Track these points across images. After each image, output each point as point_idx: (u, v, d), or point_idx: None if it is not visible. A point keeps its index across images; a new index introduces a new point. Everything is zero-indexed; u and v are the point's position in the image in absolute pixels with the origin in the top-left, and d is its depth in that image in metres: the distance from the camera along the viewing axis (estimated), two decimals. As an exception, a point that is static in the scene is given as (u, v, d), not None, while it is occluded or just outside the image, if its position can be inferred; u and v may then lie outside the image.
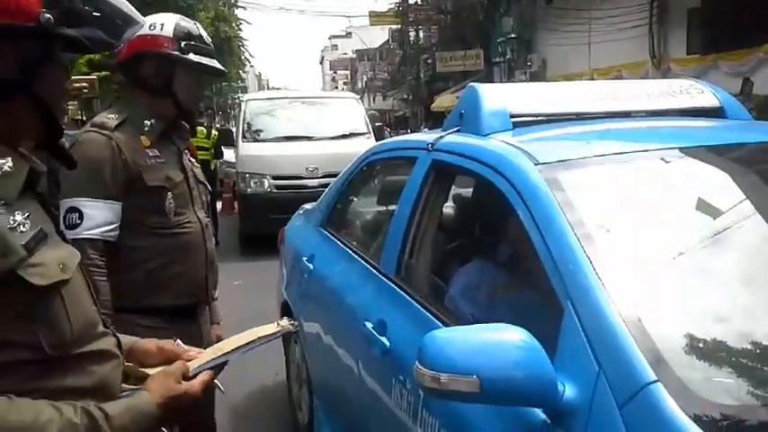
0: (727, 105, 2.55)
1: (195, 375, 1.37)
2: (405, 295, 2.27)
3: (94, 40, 1.19)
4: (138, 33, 2.19)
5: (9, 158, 1.13)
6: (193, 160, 2.47)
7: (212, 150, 10.61)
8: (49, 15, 1.12)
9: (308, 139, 9.29)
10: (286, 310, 3.67)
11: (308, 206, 3.99)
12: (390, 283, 2.41)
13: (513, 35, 20.88)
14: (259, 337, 1.55)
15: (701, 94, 2.57)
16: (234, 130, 10.88)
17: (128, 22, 1.27)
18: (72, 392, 1.16)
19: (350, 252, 2.95)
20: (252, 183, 8.93)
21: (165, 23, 2.22)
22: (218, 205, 12.57)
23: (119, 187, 2.11)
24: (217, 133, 11.42)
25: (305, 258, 3.32)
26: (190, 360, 1.43)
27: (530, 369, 1.36)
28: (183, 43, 2.19)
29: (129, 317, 2.09)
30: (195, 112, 2.39)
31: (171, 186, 2.20)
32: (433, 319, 2.02)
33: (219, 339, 2.53)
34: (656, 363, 1.33)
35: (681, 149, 2.08)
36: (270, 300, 4.16)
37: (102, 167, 2.10)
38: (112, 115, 2.20)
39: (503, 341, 1.39)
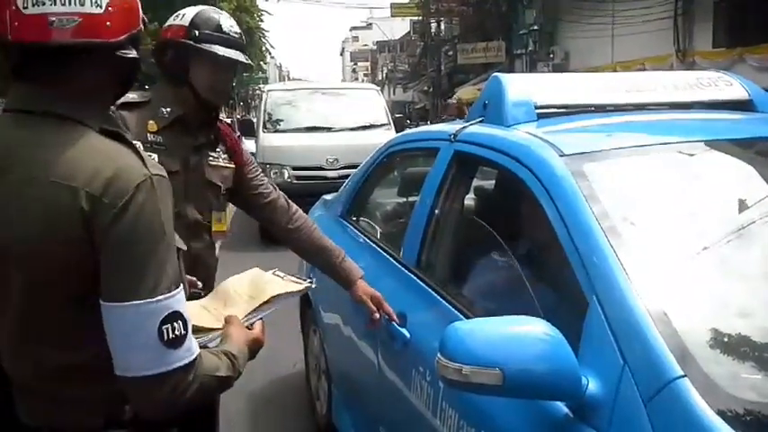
0: (757, 98, 2.51)
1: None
2: (426, 287, 2.26)
3: None
4: (167, 23, 2.29)
5: None
6: (222, 161, 2.37)
7: None
8: None
9: (329, 130, 9.29)
10: (305, 300, 3.67)
11: (328, 197, 3.98)
12: (411, 274, 2.40)
13: (535, 27, 20.71)
14: (288, 292, 1.71)
15: (730, 86, 2.53)
16: (255, 120, 10.92)
17: None
18: None
19: (370, 243, 2.94)
20: (272, 173, 8.94)
21: (187, 13, 2.25)
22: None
23: None
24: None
25: (325, 249, 3.30)
26: None
27: (553, 362, 1.34)
28: (197, 32, 2.19)
29: None
30: (217, 103, 2.35)
31: None
32: (454, 311, 2.01)
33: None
34: (682, 358, 1.31)
35: (707, 142, 2.05)
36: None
37: None
38: (134, 95, 2.25)
39: (526, 334, 1.37)
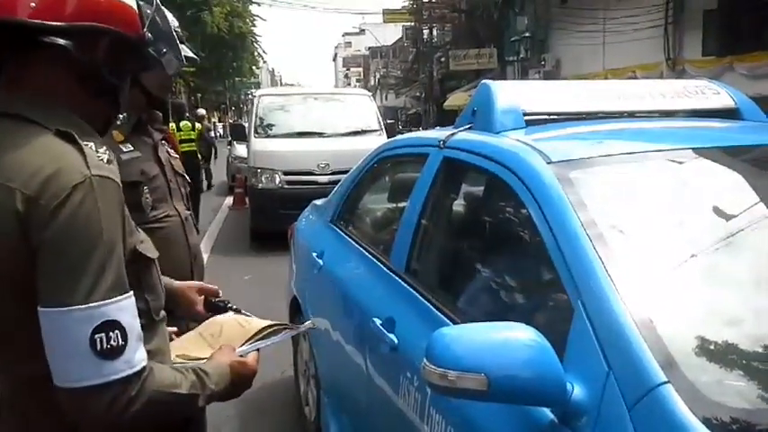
0: (743, 106, 2.53)
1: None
2: (414, 292, 2.26)
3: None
4: None
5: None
6: (172, 152, 2.40)
7: (198, 142, 11.34)
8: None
9: (320, 135, 9.29)
10: (295, 306, 3.67)
11: (318, 202, 3.99)
12: (400, 280, 2.40)
13: (527, 34, 20.78)
14: (285, 328, 1.69)
15: (717, 94, 2.55)
16: (246, 125, 10.92)
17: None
18: (152, 354, 1.25)
19: (360, 248, 2.95)
20: (263, 178, 8.94)
21: None
22: (229, 200, 12.66)
23: None
24: (201, 127, 12.07)
25: (314, 254, 3.31)
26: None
27: (538, 368, 1.35)
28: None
29: None
30: (165, 97, 2.35)
31: (146, 181, 2.16)
32: (442, 316, 2.01)
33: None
34: (666, 364, 1.32)
35: (695, 150, 2.07)
36: (279, 295, 4.16)
37: None
38: None
39: (511, 339, 1.38)
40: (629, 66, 14.91)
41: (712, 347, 1.45)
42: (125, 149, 2.16)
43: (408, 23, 35.84)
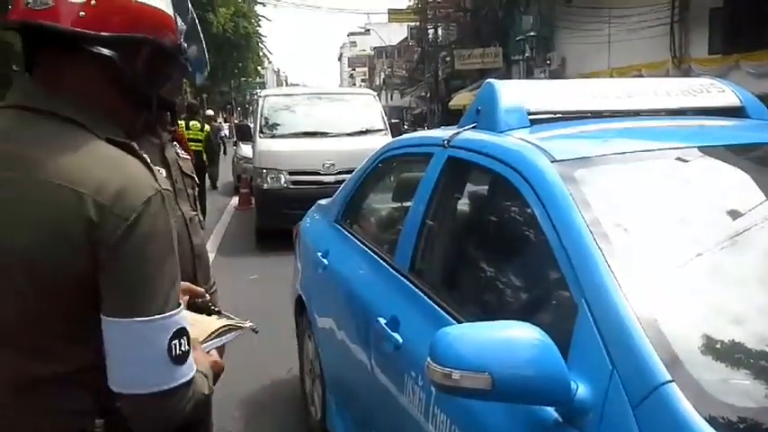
0: (749, 105, 2.52)
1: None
2: (418, 292, 2.26)
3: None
4: None
5: None
6: (181, 152, 2.38)
7: (205, 144, 11.43)
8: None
9: (325, 135, 9.29)
10: (300, 305, 3.68)
11: (323, 202, 3.99)
12: (404, 279, 2.40)
13: (532, 33, 20.77)
14: (230, 328, 1.65)
15: (722, 93, 2.54)
16: (251, 125, 10.94)
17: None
18: None
19: (364, 248, 2.95)
20: (268, 178, 8.95)
21: None
22: (235, 200, 12.68)
23: None
24: (209, 128, 12.16)
25: (319, 253, 3.32)
26: None
27: (542, 367, 1.34)
28: None
29: None
30: (173, 99, 2.31)
31: None
32: (447, 316, 2.01)
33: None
34: (670, 363, 1.32)
35: (699, 148, 2.06)
36: (285, 294, 4.17)
37: None
38: None
39: (515, 338, 1.38)
40: (635, 64, 14.88)
41: (717, 346, 1.45)
42: None
43: (413, 23, 35.84)
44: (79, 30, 1.19)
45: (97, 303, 1.16)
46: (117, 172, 1.17)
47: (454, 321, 1.92)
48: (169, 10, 1.32)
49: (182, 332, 1.18)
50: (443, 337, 1.41)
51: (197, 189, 2.46)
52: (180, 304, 1.20)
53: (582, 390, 1.38)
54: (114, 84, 1.27)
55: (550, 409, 1.44)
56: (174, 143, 2.37)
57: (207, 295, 1.81)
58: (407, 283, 2.36)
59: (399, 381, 2.12)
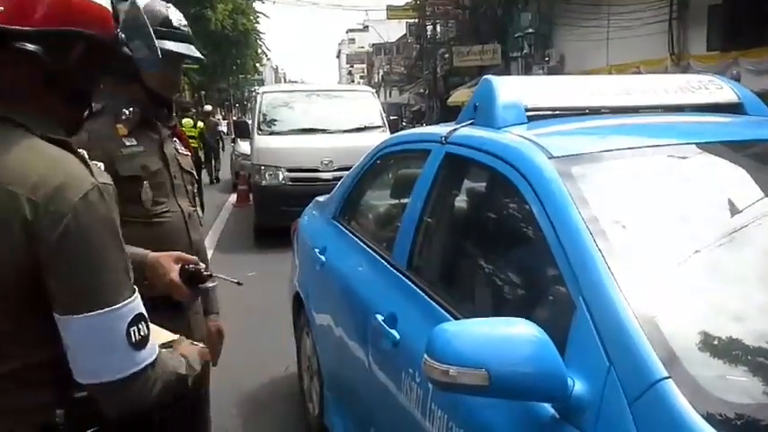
0: (747, 101, 2.51)
1: None
2: (416, 288, 2.26)
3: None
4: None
5: None
6: (181, 148, 2.36)
7: (199, 140, 11.46)
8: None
9: (323, 131, 9.28)
10: (298, 302, 3.68)
11: (320, 198, 3.99)
12: (402, 276, 2.40)
13: (530, 30, 20.75)
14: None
15: (720, 89, 2.53)
16: (249, 122, 10.93)
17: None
18: None
19: (362, 245, 2.95)
20: (266, 175, 8.94)
21: None
22: (233, 197, 12.68)
23: None
24: (203, 125, 12.35)
25: (317, 250, 3.31)
26: None
27: (539, 364, 1.34)
28: None
29: None
30: (168, 96, 2.28)
31: (147, 175, 2.14)
32: (444, 312, 2.01)
33: (219, 332, 2.50)
34: (668, 359, 1.32)
35: (697, 145, 2.06)
36: (282, 291, 4.16)
37: None
38: None
39: (512, 335, 1.37)
40: (634, 61, 14.87)
41: (714, 343, 1.44)
42: (127, 143, 2.14)
43: (412, 20, 35.79)
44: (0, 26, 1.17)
45: (45, 302, 1.16)
46: (53, 170, 1.16)
47: (452, 318, 1.92)
48: (104, 1, 1.29)
49: (139, 318, 1.21)
50: (440, 334, 1.41)
51: (196, 185, 2.45)
52: (135, 290, 1.22)
53: (579, 386, 1.38)
54: (46, 80, 1.24)
55: (547, 406, 1.44)
56: (175, 139, 2.36)
57: (200, 263, 1.82)
58: (405, 279, 2.36)
59: (396, 377, 2.12)
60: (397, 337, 2.16)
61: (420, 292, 2.22)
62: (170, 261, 1.79)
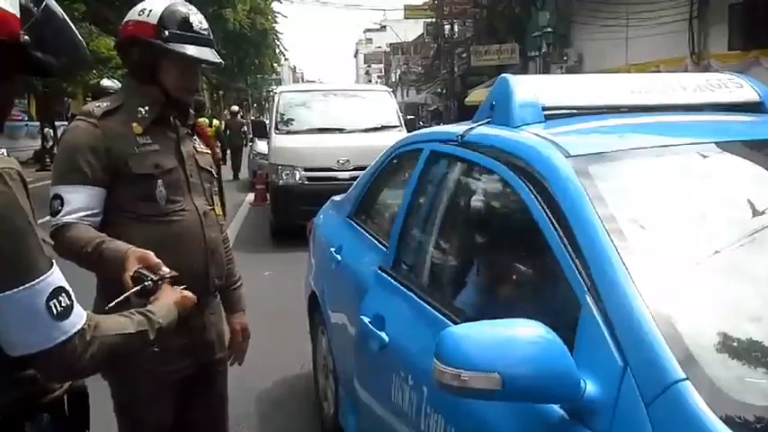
0: (768, 100, 2.48)
1: None
2: (428, 289, 2.25)
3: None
4: (129, 18, 2.18)
5: None
6: (201, 147, 2.36)
7: (215, 139, 11.81)
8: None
9: (340, 131, 9.31)
10: (313, 301, 3.68)
11: (337, 198, 3.99)
12: (413, 276, 2.39)
13: (548, 29, 20.61)
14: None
15: (740, 88, 2.50)
16: (267, 122, 10.96)
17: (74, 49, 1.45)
18: None
19: (377, 243, 2.94)
20: (284, 174, 8.97)
21: (153, 9, 2.14)
22: (250, 196, 12.74)
23: (102, 174, 2.09)
24: (219, 124, 12.69)
25: (333, 249, 3.32)
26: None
27: (550, 365, 1.33)
28: (167, 32, 2.10)
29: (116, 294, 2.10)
30: (187, 99, 2.28)
31: (160, 174, 2.15)
32: (456, 315, 2.00)
33: (244, 330, 2.51)
34: (685, 360, 1.30)
35: (716, 144, 2.03)
36: (299, 290, 4.17)
37: (82, 154, 2.09)
38: (104, 103, 2.18)
39: (521, 336, 1.36)
40: (653, 60, 14.72)
41: (733, 344, 1.43)
42: (142, 141, 2.15)
43: (429, 19, 35.73)
44: None
45: None
46: None
47: (464, 320, 1.91)
48: (8, 6, 1.27)
49: (59, 291, 1.27)
50: (449, 337, 1.39)
51: (215, 183, 2.44)
52: (52, 265, 1.27)
53: (591, 387, 1.36)
54: None
55: (556, 407, 1.43)
56: (195, 138, 2.36)
57: (162, 270, 1.77)
58: (413, 279, 2.35)
59: (387, 380, 2.11)
60: (386, 339, 2.15)
61: (431, 291, 2.21)
62: (134, 260, 1.85)
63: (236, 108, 20.98)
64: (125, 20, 2.21)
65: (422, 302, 2.17)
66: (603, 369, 1.38)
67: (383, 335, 2.17)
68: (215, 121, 12.65)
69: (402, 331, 2.20)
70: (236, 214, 11.11)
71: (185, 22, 2.14)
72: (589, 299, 1.48)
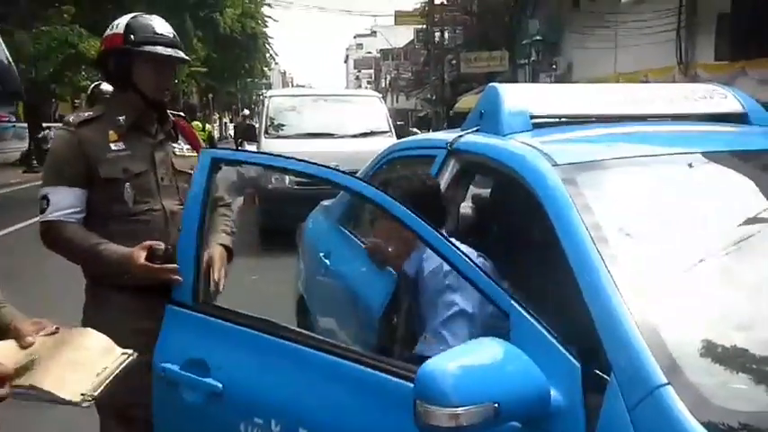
0: (752, 111, 2.51)
1: None
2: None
3: None
4: (102, 38, 2.42)
5: None
6: (185, 149, 2.50)
7: (207, 143, 11.88)
8: None
9: (330, 136, 9.29)
10: (302, 306, 3.68)
11: (326, 203, 4.00)
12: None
13: (538, 37, 20.73)
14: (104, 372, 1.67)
15: (725, 99, 2.54)
16: (257, 126, 10.96)
17: None
18: None
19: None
20: (273, 178, 8.95)
21: (119, 22, 2.37)
22: (239, 200, 12.71)
23: (81, 177, 2.29)
24: (211, 128, 12.75)
25: (322, 254, 3.32)
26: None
27: (531, 382, 1.36)
28: (133, 37, 2.31)
29: (104, 292, 2.32)
30: (162, 99, 2.44)
31: (128, 177, 2.31)
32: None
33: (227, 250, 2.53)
34: (668, 366, 1.32)
35: (701, 154, 2.06)
36: (287, 295, 4.17)
37: (62, 160, 2.30)
38: (87, 113, 2.38)
39: (496, 358, 1.37)
40: (642, 69, 14.83)
41: (716, 350, 1.45)
42: (114, 148, 2.31)
43: (420, 26, 35.82)
44: None
45: None
46: None
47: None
48: None
49: None
50: (430, 375, 1.32)
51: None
52: None
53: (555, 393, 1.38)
54: None
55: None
56: (179, 142, 2.45)
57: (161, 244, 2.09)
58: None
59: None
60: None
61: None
62: (139, 250, 2.08)
63: (247, 111, 21.77)
64: (102, 38, 2.44)
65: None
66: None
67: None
68: (207, 126, 12.70)
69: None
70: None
71: (150, 27, 2.35)
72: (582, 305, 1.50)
